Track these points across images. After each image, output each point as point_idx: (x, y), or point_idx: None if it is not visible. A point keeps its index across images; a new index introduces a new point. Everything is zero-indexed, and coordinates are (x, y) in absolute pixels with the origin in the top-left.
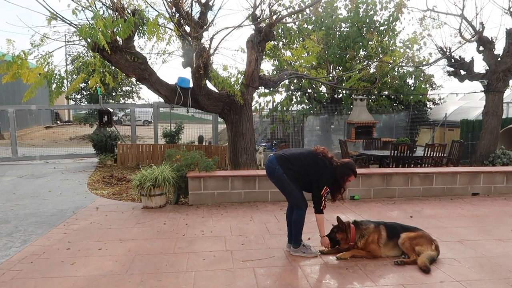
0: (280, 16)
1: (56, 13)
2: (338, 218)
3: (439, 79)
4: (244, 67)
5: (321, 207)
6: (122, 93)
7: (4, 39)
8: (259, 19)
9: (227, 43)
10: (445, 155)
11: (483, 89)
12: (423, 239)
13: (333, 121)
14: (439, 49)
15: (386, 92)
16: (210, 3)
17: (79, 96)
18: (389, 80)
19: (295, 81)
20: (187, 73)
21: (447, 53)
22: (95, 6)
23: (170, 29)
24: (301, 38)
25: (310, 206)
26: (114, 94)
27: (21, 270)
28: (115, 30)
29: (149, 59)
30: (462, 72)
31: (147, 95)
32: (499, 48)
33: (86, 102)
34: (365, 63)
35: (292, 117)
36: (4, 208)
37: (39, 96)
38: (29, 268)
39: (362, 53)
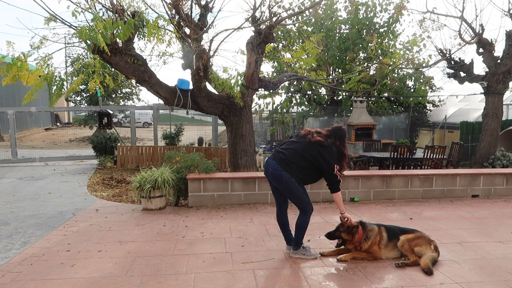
0: (279, 18)
1: (56, 14)
2: (342, 220)
3: (439, 81)
4: (244, 69)
5: (339, 185)
6: (122, 95)
7: (4, 41)
8: (258, 21)
9: (227, 45)
10: (445, 157)
11: (483, 91)
12: (422, 239)
13: (333, 122)
14: (439, 51)
15: (386, 94)
16: (210, 5)
17: (79, 98)
18: (389, 82)
19: (295, 83)
20: (187, 75)
21: (447, 55)
22: (95, 8)
23: (170, 31)
24: (300, 40)
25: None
26: (114, 96)
27: (21, 272)
28: (115, 32)
29: (149, 61)
30: (462, 74)
31: (147, 97)
32: (499, 50)
33: (86, 104)
34: (365, 65)
35: (292, 119)
36: (4, 210)
37: (39, 98)
38: (29, 270)
39: (362, 55)
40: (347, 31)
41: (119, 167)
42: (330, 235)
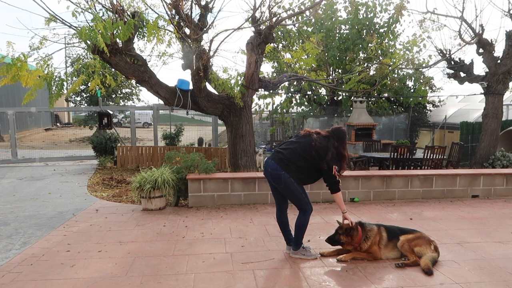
0: (279, 18)
1: (56, 15)
2: (340, 222)
3: (439, 81)
4: (244, 69)
5: (338, 185)
6: (122, 95)
7: (4, 42)
8: (258, 22)
9: (227, 45)
10: (445, 157)
11: (483, 91)
12: (421, 240)
13: (333, 123)
14: (439, 51)
15: (386, 94)
16: (210, 6)
17: (79, 98)
18: (389, 82)
19: (294, 83)
20: (187, 75)
21: (447, 55)
22: (95, 8)
23: (170, 31)
24: (300, 40)
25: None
26: (114, 96)
27: (21, 273)
28: (115, 32)
29: (149, 61)
30: (462, 74)
31: (147, 97)
32: (499, 50)
33: (85, 104)
34: (365, 65)
35: (292, 119)
36: (4, 210)
37: (39, 98)
38: (29, 271)
39: (362, 55)
40: (347, 31)
41: (119, 167)
42: (330, 240)
